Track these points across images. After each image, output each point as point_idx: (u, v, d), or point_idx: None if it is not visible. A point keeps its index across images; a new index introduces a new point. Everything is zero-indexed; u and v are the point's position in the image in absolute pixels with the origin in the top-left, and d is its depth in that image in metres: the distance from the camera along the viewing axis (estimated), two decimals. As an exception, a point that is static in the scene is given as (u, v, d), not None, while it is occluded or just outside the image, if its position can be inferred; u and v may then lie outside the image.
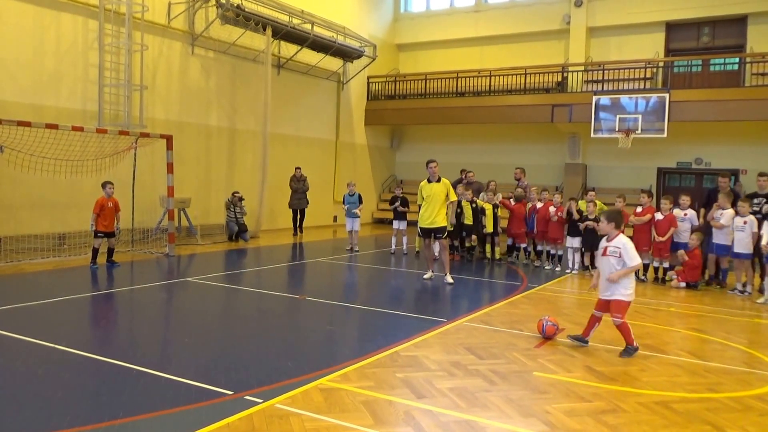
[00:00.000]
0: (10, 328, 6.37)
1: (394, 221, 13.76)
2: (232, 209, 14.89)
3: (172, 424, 4.14)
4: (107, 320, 7.44)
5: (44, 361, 5.43)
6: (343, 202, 14.00)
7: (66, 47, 12.33)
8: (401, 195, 13.73)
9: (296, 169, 16.63)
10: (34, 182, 10.98)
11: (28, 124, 9.86)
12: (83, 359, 5.47)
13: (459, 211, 12.44)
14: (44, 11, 11.92)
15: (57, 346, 5.76)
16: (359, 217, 13.84)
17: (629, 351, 6.16)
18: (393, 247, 13.86)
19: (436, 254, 11.38)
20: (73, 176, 11.16)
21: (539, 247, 12.45)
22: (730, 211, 9.94)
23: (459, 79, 20.67)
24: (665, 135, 15.98)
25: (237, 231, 14.82)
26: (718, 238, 10.13)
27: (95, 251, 10.21)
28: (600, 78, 18.91)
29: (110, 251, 10.55)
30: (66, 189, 11.74)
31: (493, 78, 20.00)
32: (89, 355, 5.55)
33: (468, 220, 12.53)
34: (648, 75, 18.58)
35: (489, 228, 12.57)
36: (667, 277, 10.80)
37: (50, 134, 10.45)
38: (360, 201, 13.86)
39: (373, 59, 20.72)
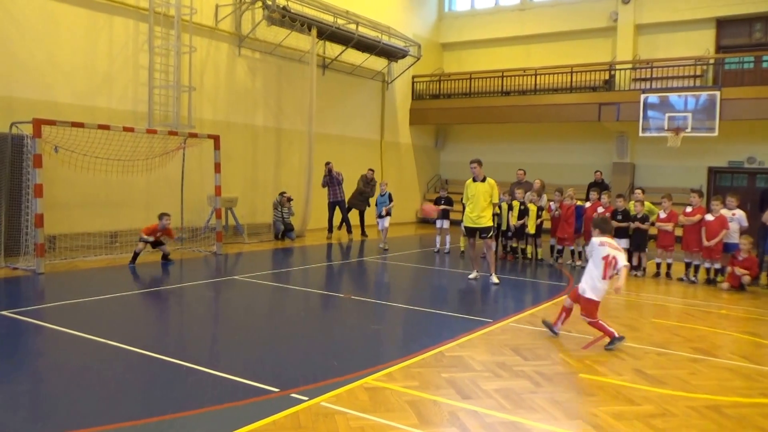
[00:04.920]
0: (64, 323, 6.61)
1: (437, 220, 13.74)
2: (279, 209, 15.09)
3: (220, 420, 4.22)
4: (157, 317, 7.64)
5: (97, 357, 5.61)
6: (375, 204, 14.08)
7: (117, 50, 12.70)
8: (446, 195, 13.70)
9: (369, 170, 16.42)
10: (87, 182, 11.34)
11: (81, 125, 10.18)
12: (134, 355, 5.63)
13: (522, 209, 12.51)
14: (97, 15, 12.29)
15: (109, 342, 5.94)
16: (389, 216, 13.91)
17: (613, 342, 6.32)
18: (437, 246, 13.83)
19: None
20: (124, 176, 11.51)
21: (585, 248, 12.25)
22: None
23: (504, 78, 20.46)
24: (716, 133, 15.48)
25: (283, 230, 15.01)
26: None
27: (137, 254, 10.51)
28: (648, 76, 18.44)
29: (164, 256, 10.96)
30: (117, 188, 12.10)
31: (538, 77, 19.74)
32: (140, 351, 5.70)
33: (514, 219, 12.47)
34: (698, 72, 18.04)
35: (531, 229, 12.44)
36: (719, 279, 10.49)
37: (102, 135, 10.77)
38: (390, 200, 13.91)
39: (418, 59, 20.70)
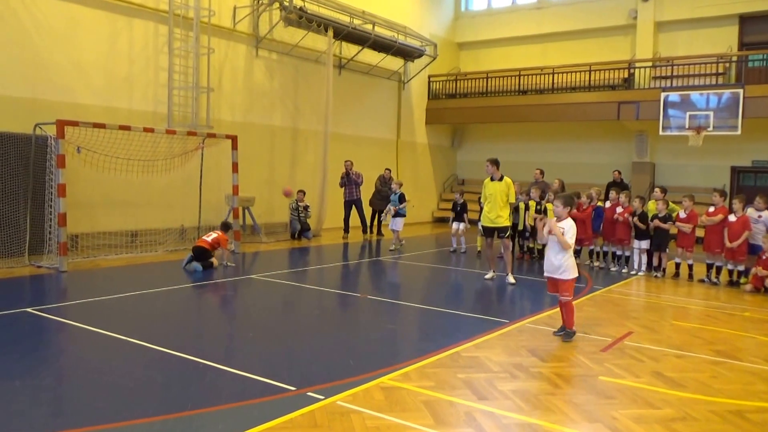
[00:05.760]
0: (86, 321, 6.70)
1: (453, 222, 13.74)
2: (296, 209, 15.18)
3: (237, 417, 4.25)
4: (176, 315, 7.70)
5: (117, 354, 5.68)
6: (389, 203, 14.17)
7: (138, 51, 12.84)
8: (462, 201, 13.68)
9: (386, 170, 16.44)
10: (108, 181, 11.46)
11: (102, 126, 10.33)
12: (153, 352, 5.70)
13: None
14: (117, 17, 12.44)
15: (129, 339, 6.02)
16: (402, 216, 13.91)
17: (569, 334, 6.57)
18: (453, 245, 13.80)
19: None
20: (144, 176, 11.64)
21: (605, 248, 12.14)
22: None
23: (521, 77, 20.34)
24: (739, 132, 15.24)
25: (300, 229, 15.09)
26: None
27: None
28: (669, 74, 18.22)
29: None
30: (138, 188, 12.22)
31: (556, 75, 19.60)
32: (159, 348, 5.77)
33: (530, 221, 12.38)
34: (720, 70, 17.78)
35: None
36: (742, 281, 10.33)
37: (123, 135, 10.91)
38: (401, 200, 13.93)
39: (434, 58, 20.66)
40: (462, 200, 13.71)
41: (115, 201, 12.24)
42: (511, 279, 9.88)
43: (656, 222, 10.95)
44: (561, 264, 6.55)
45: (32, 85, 11.12)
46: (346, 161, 15.65)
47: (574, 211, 12.06)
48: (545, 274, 6.77)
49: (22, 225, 10.25)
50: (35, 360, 5.43)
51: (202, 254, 10.32)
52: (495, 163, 9.83)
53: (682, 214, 10.95)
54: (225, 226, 11.21)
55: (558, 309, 6.91)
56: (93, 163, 10.57)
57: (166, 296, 8.49)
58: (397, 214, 13.85)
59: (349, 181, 15.52)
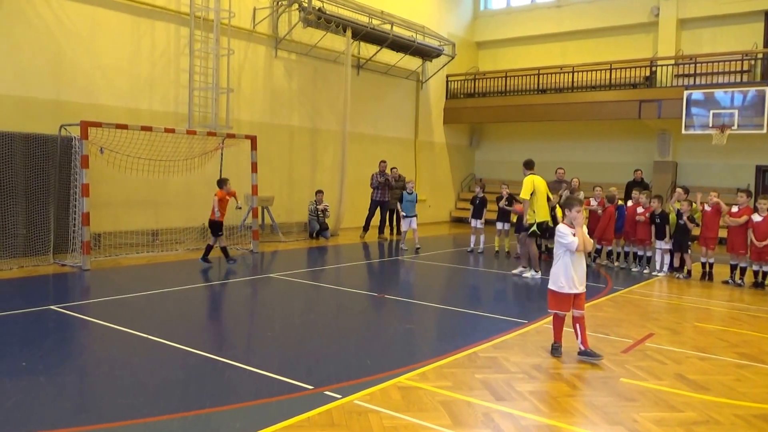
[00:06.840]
0: (108, 318, 6.79)
1: (471, 219, 13.69)
2: (315, 209, 15.23)
3: (255, 415, 4.27)
4: (196, 313, 7.77)
5: (138, 351, 5.75)
6: (400, 201, 14.06)
7: (159, 53, 12.98)
8: (481, 196, 13.63)
9: (392, 169, 16.19)
10: (130, 181, 11.62)
11: (125, 127, 10.48)
12: (173, 350, 5.75)
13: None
14: (140, 20, 12.59)
15: (150, 337, 6.09)
16: (416, 215, 13.90)
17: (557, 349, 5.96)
18: (471, 245, 13.74)
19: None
20: (165, 175, 11.76)
21: (626, 249, 12.01)
22: None
23: (540, 76, 20.17)
24: (765, 131, 14.99)
25: (318, 229, 15.14)
26: None
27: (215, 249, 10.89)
28: (692, 72, 17.95)
29: (224, 250, 11.05)
30: (158, 187, 12.38)
31: (576, 74, 19.42)
32: (179, 346, 5.82)
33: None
34: (745, 68, 17.47)
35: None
36: (767, 282, 10.14)
37: (145, 136, 11.05)
38: (416, 200, 13.97)
39: (452, 58, 20.60)
40: (482, 194, 13.65)
41: (136, 200, 12.39)
42: (527, 274, 10.25)
43: (685, 219, 10.69)
44: (582, 280, 5.86)
45: (57, 86, 11.30)
46: (381, 162, 15.61)
47: (599, 211, 11.98)
48: (577, 291, 5.82)
49: (47, 224, 10.42)
50: (59, 356, 5.52)
51: (213, 226, 10.83)
52: (524, 164, 10.57)
53: (707, 207, 10.77)
54: (220, 183, 11.12)
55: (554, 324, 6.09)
56: (116, 164, 10.71)
57: (186, 294, 8.56)
58: (408, 215, 13.86)
59: (387, 183, 15.44)
